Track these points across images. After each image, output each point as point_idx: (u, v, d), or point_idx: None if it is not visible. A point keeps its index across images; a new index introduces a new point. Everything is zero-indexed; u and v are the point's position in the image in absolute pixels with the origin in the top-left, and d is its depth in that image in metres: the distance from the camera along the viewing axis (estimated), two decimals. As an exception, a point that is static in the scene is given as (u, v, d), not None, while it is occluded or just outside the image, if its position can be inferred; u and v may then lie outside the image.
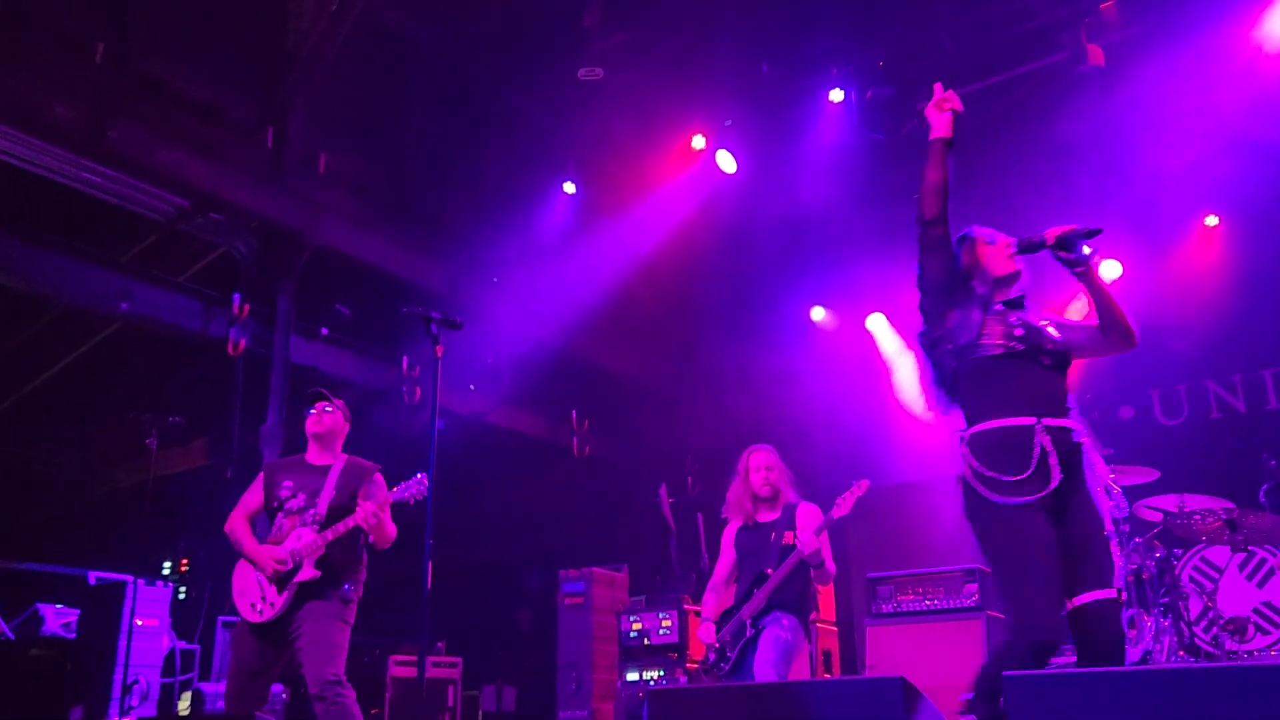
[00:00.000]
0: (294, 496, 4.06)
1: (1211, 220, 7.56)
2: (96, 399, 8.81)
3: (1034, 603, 2.65)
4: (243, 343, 7.16)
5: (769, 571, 4.27)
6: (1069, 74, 6.25)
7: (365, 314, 7.90)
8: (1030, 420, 2.78)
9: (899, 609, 5.93)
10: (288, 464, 4.21)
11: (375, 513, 3.89)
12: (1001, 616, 5.87)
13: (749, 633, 4.24)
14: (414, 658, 6.95)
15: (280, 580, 3.95)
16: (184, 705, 6.14)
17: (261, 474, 4.20)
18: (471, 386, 8.41)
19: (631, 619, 6.86)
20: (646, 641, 6.72)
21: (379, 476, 4.10)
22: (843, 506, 4.23)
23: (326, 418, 4.14)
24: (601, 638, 7.19)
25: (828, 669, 6.33)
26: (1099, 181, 7.08)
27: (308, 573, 3.91)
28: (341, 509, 3.99)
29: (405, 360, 7.85)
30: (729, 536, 4.57)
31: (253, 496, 4.17)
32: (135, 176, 6.62)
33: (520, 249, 7.96)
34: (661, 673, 6.53)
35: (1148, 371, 7.68)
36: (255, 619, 3.91)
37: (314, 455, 4.17)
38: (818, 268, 8.47)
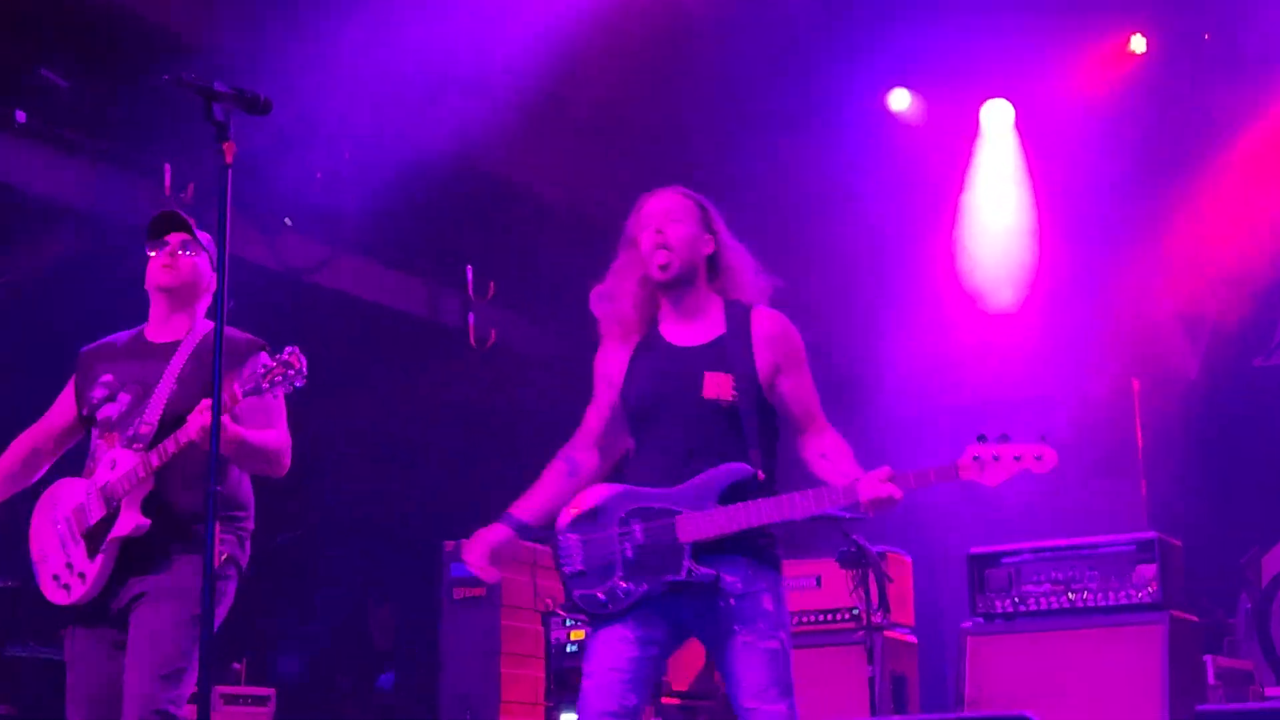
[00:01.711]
0: (112, 398, 4.37)
1: None
2: None
3: None
4: None
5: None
6: None
7: (96, 88, 7.77)
8: None
9: (1022, 607, 6.21)
10: (113, 348, 4.51)
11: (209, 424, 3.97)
12: (1194, 619, 6.14)
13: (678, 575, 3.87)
14: (190, 689, 7.11)
15: (90, 537, 4.23)
16: None
17: (75, 371, 4.50)
18: (288, 220, 8.38)
19: (569, 623, 7.04)
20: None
21: (264, 360, 4.24)
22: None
23: (183, 261, 4.41)
24: (517, 654, 7.39)
25: (900, 705, 6.59)
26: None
27: (129, 521, 4.17)
28: (185, 411, 4.19)
29: (168, 170, 7.78)
30: (611, 361, 4.21)
31: (59, 406, 4.52)
32: None
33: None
34: (619, 713, 6.76)
35: None
36: (62, 599, 4.22)
37: (156, 327, 4.49)
38: (901, 21, 8.48)
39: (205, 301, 4.53)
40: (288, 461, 4.38)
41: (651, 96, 9.20)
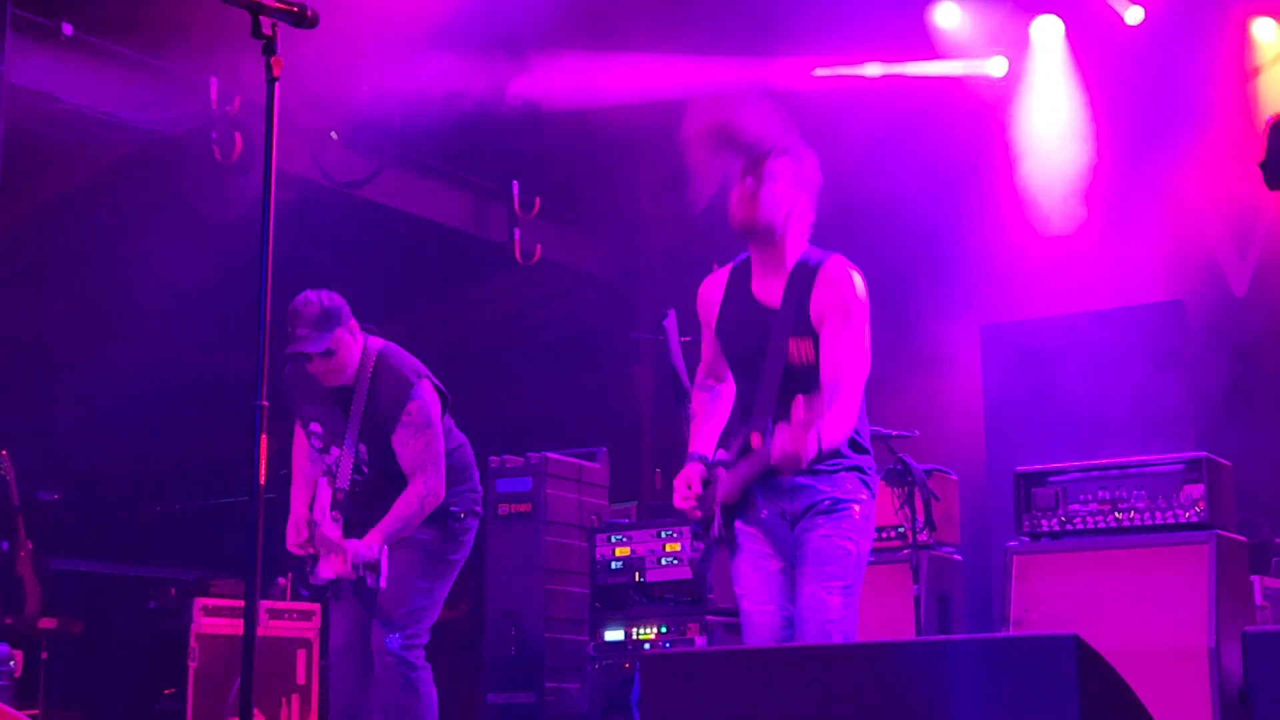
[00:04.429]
0: (325, 450, 5.29)
1: None
2: None
3: None
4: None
5: (754, 441, 4.23)
6: None
7: (138, 2, 7.76)
8: None
9: (1068, 526, 6.20)
10: (309, 385, 5.30)
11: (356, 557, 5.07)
12: (1242, 539, 6.13)
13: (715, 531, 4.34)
14: (237, 602, 7.16)
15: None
16: None
17: (287, 401, 5.33)
18: (334, 134, 8.37)
19: (613, 540, 7.08)
20: (639, 577, 6.95)
21: (425, 391, 5.28)
22: None
23: (332, 368, 5.20)
24: (561, 571, 7.42)
25: (945, 624, 6.61)
26: None
27: (327, 570, 5.13)
28: (372, 476, 5.24)
29: (215, 84, 7.78)
30: (710, 307, 4.57)
31: (298, 447, 5.42)
32: None
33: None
34: (663, 629, 6.79)
35: None
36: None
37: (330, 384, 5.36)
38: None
39: (357, 350, 5.27)
40: (435, 500, 5.22)
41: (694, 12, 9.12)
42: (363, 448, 5.25)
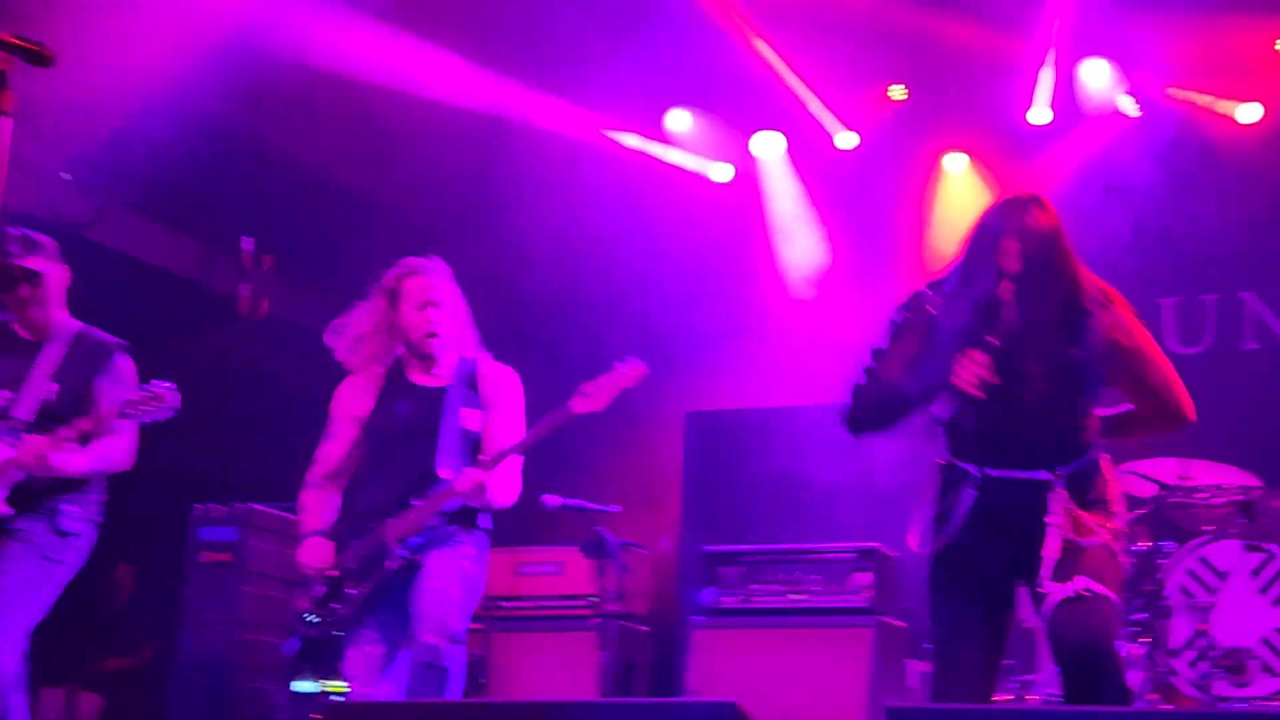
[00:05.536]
0: None
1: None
2: None
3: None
4: None
5: (443, 474, 4.63)
6: None
7: None
8: None
9: (748, 604, 6.50)
10: None
11: (41, 455, 4.74)
12: (901, 625, 6.55)
13: (394, 563, 4.66)
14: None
15: None
16: None
17: None
18: (67, 175, 8.29)
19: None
20: (337, 631, 6.96)
21: (122, 362, 5.03)
22: (594, 398, 4.57)
23: (35, 311, 5.01)
24: (261, 624, 7.39)
25: (627, 690, 6.83)
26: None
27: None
28: (61, 413, 4.87)
29: (-60, 115, 7.58)
30: (349, 399, 4.99)
31: None
32: None
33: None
34: (357, 683, 6.82)
35: (1160, 272, 8.30)
36: None
37: (21, 327, 5.11)
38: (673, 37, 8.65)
39: (58, 299, 5.13)
40: (129, 463, 5.06)
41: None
42: (55, 387, 4.97)
